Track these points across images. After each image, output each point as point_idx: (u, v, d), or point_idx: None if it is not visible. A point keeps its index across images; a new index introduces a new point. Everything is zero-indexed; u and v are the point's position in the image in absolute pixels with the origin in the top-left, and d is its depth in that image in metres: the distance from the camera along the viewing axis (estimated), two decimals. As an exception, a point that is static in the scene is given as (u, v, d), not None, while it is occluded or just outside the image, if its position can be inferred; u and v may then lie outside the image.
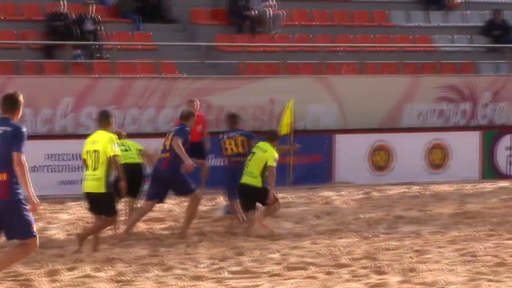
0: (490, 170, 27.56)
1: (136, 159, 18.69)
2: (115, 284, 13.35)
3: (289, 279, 13.74)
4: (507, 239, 17.05)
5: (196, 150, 21.47)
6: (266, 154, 18.32)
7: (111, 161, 15.77)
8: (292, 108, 22.72)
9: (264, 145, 18.69)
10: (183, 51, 27.91)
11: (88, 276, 13.86)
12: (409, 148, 26.76)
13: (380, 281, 13.44)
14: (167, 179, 18.08)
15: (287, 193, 23.19)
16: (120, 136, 18.22)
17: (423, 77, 28.58)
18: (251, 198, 18.47)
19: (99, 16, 26.90)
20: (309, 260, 15.27)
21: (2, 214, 11.86)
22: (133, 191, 18.00)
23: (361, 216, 20.43)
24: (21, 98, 12.27)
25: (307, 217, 20.27)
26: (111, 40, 27.17)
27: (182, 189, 18.40)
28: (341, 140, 25.87)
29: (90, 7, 26.75)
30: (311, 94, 26.25)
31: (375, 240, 17.35)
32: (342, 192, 24.22)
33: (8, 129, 11.93)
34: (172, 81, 26.13)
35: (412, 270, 14.20)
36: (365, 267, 14.52)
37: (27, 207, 11.84)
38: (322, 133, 26.49)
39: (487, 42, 31.37)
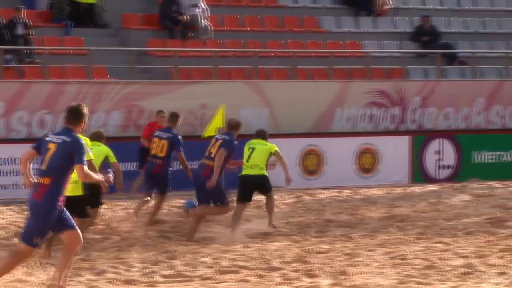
0: (419, 174, 27.79)
1: None
2: (47, 289, 13.18)
3: (221, 282, 13.82)
4: (436, 242, 17.23)
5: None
6: (268, 146, 19.77)
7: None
8: (223, 113, 22.74)
9: (259, 141, 19.76)
10: (115, 56, 27.87)
11: (20, 280, 13.79)
12: (340, 153, 26.91)
13: (311, 284, 13.53)
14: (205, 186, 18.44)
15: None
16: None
17: (353, 82, 28.74)
18: (256, 187, 19.59)
19: (30, 21, 26.71)
20: (241, 263, 15.35)
21: (30, 212, 12.47)
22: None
23: (292, 219, 20.55)
24: (85, 110, 12.84)
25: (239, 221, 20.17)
26: (42, 44, 27.00)
27: (217, 199, 18.61)
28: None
29: (21, 12, 26.57)
30: (242, 99, 26.29)
31: (306, 243, 17.44)
32: (274, 196, 24.24)
33: (68, 139, 12.38)
34: (103, 85, 26.05)
35: (343, 273, 14.27)
36: (297, 270, 14.63)
37: (44, 218, 12.26)
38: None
39: (416, 48, 31.61)
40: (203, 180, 18.47)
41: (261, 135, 20.60)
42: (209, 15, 29.66)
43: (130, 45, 28.33)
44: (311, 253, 16.28)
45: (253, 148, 19.83)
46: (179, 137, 20.23)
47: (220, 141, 18.85)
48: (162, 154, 20.25)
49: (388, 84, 28.94)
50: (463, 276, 13.98)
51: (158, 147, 20.39)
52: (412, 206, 22.71)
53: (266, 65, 28.79)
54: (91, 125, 25.31)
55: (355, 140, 27.49)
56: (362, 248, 16.69)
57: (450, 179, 27.81)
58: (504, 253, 15.98)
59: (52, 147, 12.30)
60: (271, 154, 19.78)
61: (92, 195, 17.64)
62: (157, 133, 20.80)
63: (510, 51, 32.10)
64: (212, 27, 29.51)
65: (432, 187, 26.35)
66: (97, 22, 28.91)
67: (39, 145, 12.49)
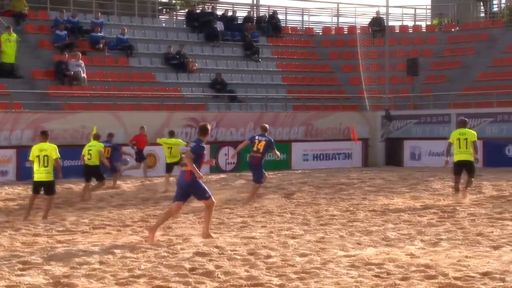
0: (215, 168, 27.67)
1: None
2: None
3: (94, 234, 13.58)
4: (225, 208, 16.92)
5: (140, 155, 24.64)
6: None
7: (55, 162, 15.82)
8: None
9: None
10: (27, 95, 27.51)
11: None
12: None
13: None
14: (253, 168, 18.43)
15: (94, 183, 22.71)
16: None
17: (175, 112, 29.01)
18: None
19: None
20: (106, 222, 15.08)
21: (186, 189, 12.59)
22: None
23: (140, 195, 20.25)
24: (208, 126, 12.99)
25: (106, 197, 20.03)
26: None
27: (256, 178, 18.35)
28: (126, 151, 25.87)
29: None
30: (107, 122, 26.20)
31: (147, 210, 17.15)
32: (128, 181, 24.31)
33: (193, 143, 12.83)
34: (20, 114, 25.71)
35: (169, 227, 14.14)
36: (141, 226, 14.40)
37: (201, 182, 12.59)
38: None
39: (212, 92, 31.95)
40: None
41: (171, 134, 22.43)
42: (86, 71, 29.51)
43: (37, 89, 28.05)
44: (150, 216, 15.97)
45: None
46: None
47: (264, 140, 18.32)
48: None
49: (196, 113, 29.30)
50: (241, 228, 13.99)
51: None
52: (210, 187, 22.01)
53: (122, 102, 28.86)
54: (11, 139, 25.18)
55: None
56: (181, 212, 16.05)
57: (232, 170, 27.93)
58: (266, 214, 15.92)
59: None
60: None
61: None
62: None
63: (269, 95, 33.01)
64: (86, 78, 29.42)
65: (222, 175, 26.30)
66: (16, 75, 28.45)
67: None
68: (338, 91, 35.12)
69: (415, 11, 42.29)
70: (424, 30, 39.83)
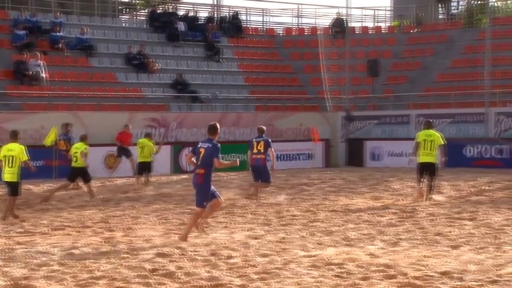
0: (177, 168, 27.89)
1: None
2: None
3: (54, 236, 13.47)
4: (187, 209, 17.05)
5: (124, 152, 24.76)
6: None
7: (23, 163, 15.74)
8: (55, 131, 22.62)
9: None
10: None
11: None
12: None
13: (110, 235, 13.29)
14: (261, 169, 18.50)
15: (54, 184, 22.64)
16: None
17: (136, 113, 28.87)
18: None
19: None
20: (66, 224, 14.95)
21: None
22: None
23: (99, 196, 20.06)
24: (218, 126, 12.82)
25: (66, 197, 19.84)
26: None
27: (265, 178, 18.60)
28: (87, 151, 25.73)
29: None
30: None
31: (107, 211, 17.02)
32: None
33: (210, 145, 12.51)
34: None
35: (129, 228, 14.15)
36: (102, 227, 14.34)
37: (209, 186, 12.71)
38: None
39: (174, 92, 31.86)
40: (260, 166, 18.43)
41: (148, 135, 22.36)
42: (46, 71, 29.24)
43: (-4, 89, 27.79)
44: (110, 216, 15.92)
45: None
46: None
47: (262, 142, 18.47)
48: None
49: (157, 114, 29.20)
50: (206, 229, 13.77)
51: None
52: (172, 187, 22.58)
53: (82, 102, 28.64)
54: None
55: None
56: (142, 213, 16.48)
57: (193, 171, 27.63)
58: (227, 215, 15.89)
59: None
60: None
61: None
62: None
63: (230, 95, 33.00)
64: (48, 78, 29.14)
65: (184, 176, 26.19)
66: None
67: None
68: (299, 92, 35.28)
69: (375, 12, 42.62)
70: (384, 31, 40.13)
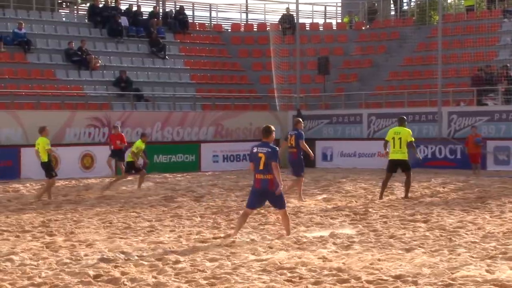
0: (119, 169, 27.45)
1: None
2: None
3: None
4: (131, 212, 17.04)
5: (116, 154, 24.79)
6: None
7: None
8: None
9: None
10: None
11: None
12: (71, 156, 26.68)
13: (51, 240, 13.12)
14: (293, 163, 18.77)
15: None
16: None
17: (77, 112, 28.62)
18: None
19: None
20: (4, 228, 14.69)
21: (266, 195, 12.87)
22: None
23: (42, 199, 19.75)
24: (273, 128, 12.97)
25: (3, 200, 19.54)
26: None
27: (296, 171, 18.88)
28: (25, 152, 25.47)
29: None
30: (4, 122, 25.75)
31: (48, 214, 16.84)
32: (27, 184, 23.86)
33: (270, 150, 12.62)
34: None
35: (72, 233, 14.01)
36: (42, 232, 14.15)
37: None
38: (12, 147, 26.09)
39: (117, 90, 31.63)
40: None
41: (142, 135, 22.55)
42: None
43: None
44: (51, 220, 15.74)
45: None
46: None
47: (294, 135, 18.67)
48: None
49: (100, 113, 28.99)
50: (148, 232, 13.92)
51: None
52: (116, 189, 22.37)
53: (20, 101, 28.28)
54: None
55: (80, 149, 27.37)
56: (85, 217, 16.34)
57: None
58: (174, 218, 15.97)
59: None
60: None
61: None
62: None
63: (177, 93, 32.89)
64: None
65: (130, 178, 25.91)
66: None
67: None
68: (249, 90, 35.33)
69: (325, 8, 42.96)
70: (335, 28, 40.38)
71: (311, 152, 19.13)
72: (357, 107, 32.62)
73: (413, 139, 18.80)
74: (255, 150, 12.84)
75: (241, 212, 13.76)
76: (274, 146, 12.81)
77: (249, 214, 13.48)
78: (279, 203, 12.98)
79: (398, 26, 38.40)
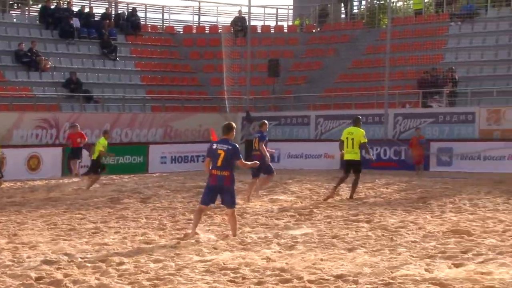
0: (67, 171, 27.09)
1: None
2: None
3: None
4: (76, 214, 16.79)
5: (75, 152, 25.04)
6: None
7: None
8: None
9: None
10: None
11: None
12: (17, 158, 26.34)
13: None
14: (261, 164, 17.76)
15: None
16: None
17: (26, 113, 28.29)
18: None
19: None
20: None
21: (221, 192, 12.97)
22: None
23: None
24: (234, 125, 13.06)
25: None
26: None
27: (266, 170, 18.92)
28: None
29: None
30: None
31: None
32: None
33: (230, 147, 12.67)
34: None
35: (15, 235, 13.78)
36: None
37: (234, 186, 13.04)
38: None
39: (66, 92, 31.27)
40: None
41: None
42: None
43: None
44: None
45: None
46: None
47: (256, 138, 18.64)
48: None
49: (48, 114, 28.69)
50: (93, 234, 13.84)
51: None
52: (62, 191, 22.14)
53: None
54: None
55: (26, 150, 27.04)
56: (29, 219, 16.09)
57: (87, 174, 26.16)
58: (120, 219, 15.83)
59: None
60: None
61: None
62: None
63: (126, 95, 32.68)
64: None
65: (76, 179, 25.47)
66: None
67: None
68: (199, 92, 35.28)
69: (277, 11, 43.01)
70: (286, 31, 40.52)
71: (268, 156, 19.09)
72: (306, 109, 32.77)
73: (366, 140, 18.96)
74: (214, 146, 12.89)
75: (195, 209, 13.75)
76: (234, 143, 12.90)
77: (203, 210, 13.55)
78: (230, 201, 13.02)
79: (348, 29, 38.66)
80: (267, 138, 19.26)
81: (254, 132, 19.73)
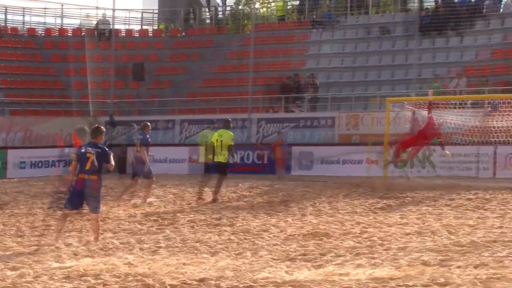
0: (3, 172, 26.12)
1: None
2: None
3: None
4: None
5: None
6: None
7: None
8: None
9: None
10: None
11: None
12: None
13: None
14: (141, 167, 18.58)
15: None
16: None
17: None
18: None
19: None
20: None
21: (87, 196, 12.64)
22: None
23: None
24: (103, 128, 12.91)
25: None
26: None
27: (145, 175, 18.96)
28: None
29: None
30: None
31: None
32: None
33: (100, 150, 12.54)
34: None
35: None
36: None
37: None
38: None
39: None
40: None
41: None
42: None
43: None
44: None
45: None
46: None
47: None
48: None
49: None
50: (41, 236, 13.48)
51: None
52: None
53: None
54: None
55: None
56: None
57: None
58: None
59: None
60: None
61: None
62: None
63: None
64: None
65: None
66: None
67: None
68: (62, 96, 34.53)
69: (142, 14, 42.69)
70: (151, 35, 40.27)
71: (148, 162, 18.95)
72: (171, 113, 32.67)
73: (233, 143, 19.32)
74: (83, 150, 12.73)
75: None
76: (104, 147, 12.80)
77: (68, 216, 13.33)
78: (95, 206, 12.81)
79: (213, 34, 38.82)
80: (149, 141, 19.10)
81: (137, 134, 19.59)
